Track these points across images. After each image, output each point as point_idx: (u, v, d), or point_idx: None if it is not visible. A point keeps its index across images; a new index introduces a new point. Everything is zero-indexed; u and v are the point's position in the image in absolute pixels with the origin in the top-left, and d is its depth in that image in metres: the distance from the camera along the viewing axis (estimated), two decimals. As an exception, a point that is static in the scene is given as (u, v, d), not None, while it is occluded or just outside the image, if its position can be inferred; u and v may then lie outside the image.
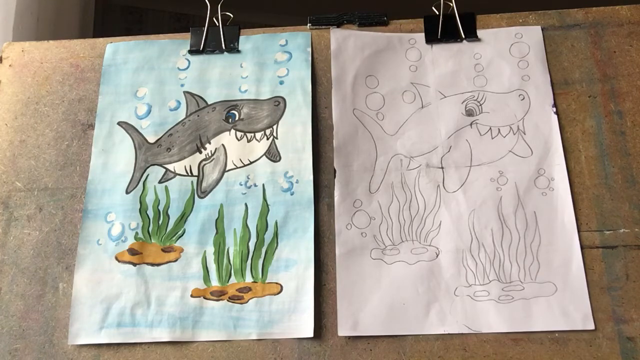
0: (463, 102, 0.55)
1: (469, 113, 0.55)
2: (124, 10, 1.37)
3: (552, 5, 0.59)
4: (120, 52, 0.59)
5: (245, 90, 0.57)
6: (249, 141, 0.55)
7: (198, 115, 0.56)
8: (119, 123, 0.56)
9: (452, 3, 0.58)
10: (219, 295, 0.49)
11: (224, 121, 0.55)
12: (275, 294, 0.49)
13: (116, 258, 0.51)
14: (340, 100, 0.55)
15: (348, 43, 0.57)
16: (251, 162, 0.54)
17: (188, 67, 0.58)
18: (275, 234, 0.51)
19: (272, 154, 0.54)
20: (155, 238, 0.51)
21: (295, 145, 0.54)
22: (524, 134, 0.53)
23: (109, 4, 1.30)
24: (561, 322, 0.47)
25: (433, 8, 0.58)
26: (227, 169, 0.54)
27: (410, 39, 0.58)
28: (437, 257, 0.50)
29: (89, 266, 0.50)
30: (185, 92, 0.57)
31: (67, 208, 0.53)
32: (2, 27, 0.67)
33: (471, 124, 0.54)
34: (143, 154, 0.55)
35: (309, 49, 0.58)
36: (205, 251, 0.51)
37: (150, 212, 0.52)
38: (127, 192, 0.53)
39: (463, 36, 0.57)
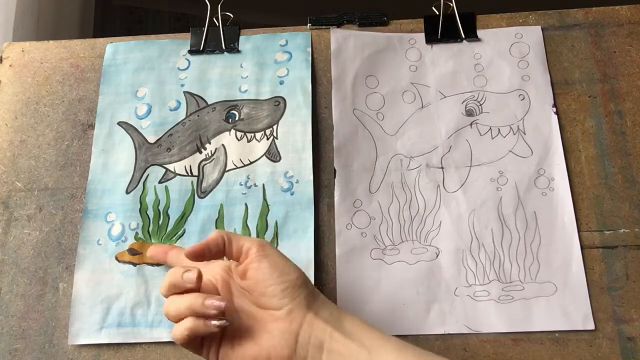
0: (463, 102, 0.55)
1: (469, 113, 0.55)
2: (124, 10, 1.37)
3: (552, 5, 0.59)
4: (120, 52, 0.59)
5: (246, 91, 0.57)
6: (249, 141, 0.55)
7: (198, 116, 0.56)
8: (119, 123, 0.56)
9: (452, 3, 0.58)
10: (219, 295, 0.49)
11: (224, 121, 0.55)
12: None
13: (116, 258, 0.51)
14: (340, 100, 0.55)
15: (348, 43, 0.57)
16: (251, 162, 0.54)
17: (188, 67, 0.58)
18: (276, 234, 0.51)
19: (272, 154, 0.54)
20: (155, 238, 0.51)
21: (295, 145, 0.54)
22: (524, 134, 0.53)
23: (109, 4, 1.30)
24: (561, 322, 0.47)
25: (433, 8, 0.58)
26: (227, 169, 0.54)
27: (410, 39, 0.58)
28: (437, 257, 0.50)
29: (89, 266, 0.50)
30: (185, 92, 0.57)
31: (67, 208, 0.53)
32: (2, 27, 0.67)
33: (471, 124, 0.54)
34: (143, 154, 0.55)
35: (309, 49, 0.58)
36: (205, 251, 0.51)
37: (151, 212, 0.52)
38: (127, 192, 0.53)
39: (463, 36, 0.57)
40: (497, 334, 0.47)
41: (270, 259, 0.40)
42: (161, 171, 0.54)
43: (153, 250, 0.49)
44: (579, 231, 0.50)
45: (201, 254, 0.41)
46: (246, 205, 0.52)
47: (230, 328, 0.40)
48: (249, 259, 0.41)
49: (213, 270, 0.44)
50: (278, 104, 0.56)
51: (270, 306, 0.39)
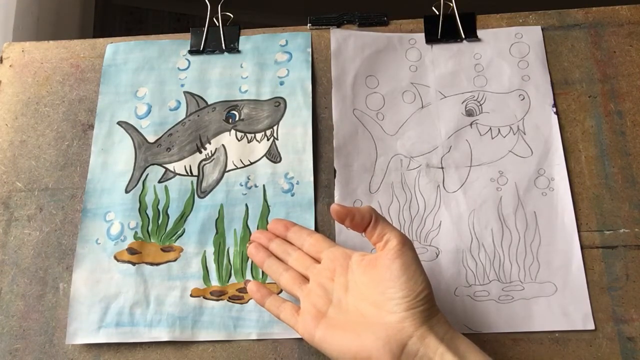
0: (463, 102, 0.55)
1: (469, 113, 0.55)
2: (124, 10, 1.37)
3: (552, 5, 0.59)
4: (120, 52, 0.59)
5: (246, 91, 0.57)
6: (249, 142, 0.55)
7: (198, 115, 0.56)
8: (118, 122, 0.56)
9: (452, 3, 0.58)
10: (218, 295, 0.49)
11: (224, 121, 0.55)
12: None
13: (115, 257, 0.51)
14: (340, 100, 0.55)
15: (348, 43, 0.57)
16: (251, 163, 0.54)
17: (188, 67, 0.58)
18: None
19: (273, 155, 0.54)
20: (154, 237, 0.51)
21: (295, 146, 0.54)
22: (524, 134, 0.53)
23: (109, 4, 1.30)
24: (561, 322, 0.47)
25: (433, 8, 0.58)
26: (227, 169, 0.54)
27: (410, 39, 0.58)
28: (437, 257, 0.50)
29: (87, 265, 0.50)
30: (185, 92, 0.57)
31: (68, 208, 0.53)
32: (2, 27, 0.67)
33: (471, 124, 0.54)
34: (143, 154, 0.55)
35: (309, 50, 0.58)
36: (205, 251, 0.51)
37: (150, 212, 0.52)
38: (126, 192, 0.53)
39: (463, 36, 0.57)
40: (497, 334, 0.47)
41: (404, 261, 0.39)
42: (161, 171, 0.54)
43: (275, 223, 0.48)
44: (579, 231, 0.50)
45: (344, 217, 0.41)
46: (247, 205, 0.52)
47: (335, 312, 0.41)
48: (384, 252, 0.40)
49: (333, 254, 0.44)
50: (278, 105, 0.56)
51: (384, 307, 0.39)
